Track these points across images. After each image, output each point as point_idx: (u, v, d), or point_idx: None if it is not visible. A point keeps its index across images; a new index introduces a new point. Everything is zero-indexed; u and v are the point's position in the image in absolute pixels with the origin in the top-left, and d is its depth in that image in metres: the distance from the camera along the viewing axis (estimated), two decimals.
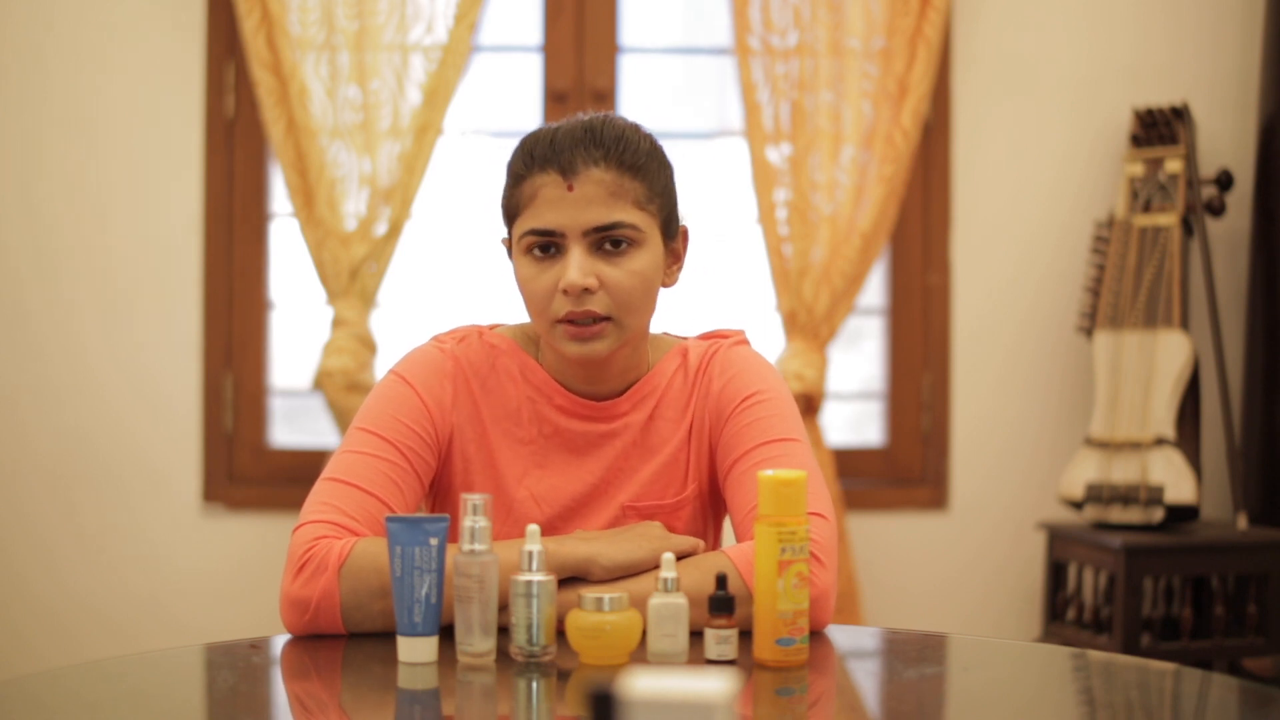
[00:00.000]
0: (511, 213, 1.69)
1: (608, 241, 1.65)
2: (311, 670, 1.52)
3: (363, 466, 1.65)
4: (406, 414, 1.69)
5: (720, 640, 1.47)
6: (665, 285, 1.74)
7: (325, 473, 1.66)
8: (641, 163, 1.67)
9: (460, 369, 1.73)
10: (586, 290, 1.63)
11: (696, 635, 1.51)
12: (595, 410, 1.74)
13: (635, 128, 1.70)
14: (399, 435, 1.67)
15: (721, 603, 1.48)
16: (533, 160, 1.66)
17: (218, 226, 3.38)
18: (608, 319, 1.65)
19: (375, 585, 1.54)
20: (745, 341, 1.81)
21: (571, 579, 1.56)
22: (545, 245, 1.65)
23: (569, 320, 1.65)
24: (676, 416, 1.76)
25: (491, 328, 1.79)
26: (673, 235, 1.73)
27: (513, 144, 1.72)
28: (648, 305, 1.70)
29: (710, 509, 1.79)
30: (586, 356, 1.67)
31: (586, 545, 1.57)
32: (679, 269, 1.76)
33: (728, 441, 1.72)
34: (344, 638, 1.56)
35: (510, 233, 1.71)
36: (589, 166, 1.64)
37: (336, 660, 1.53)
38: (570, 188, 1.64)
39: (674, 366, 1.78)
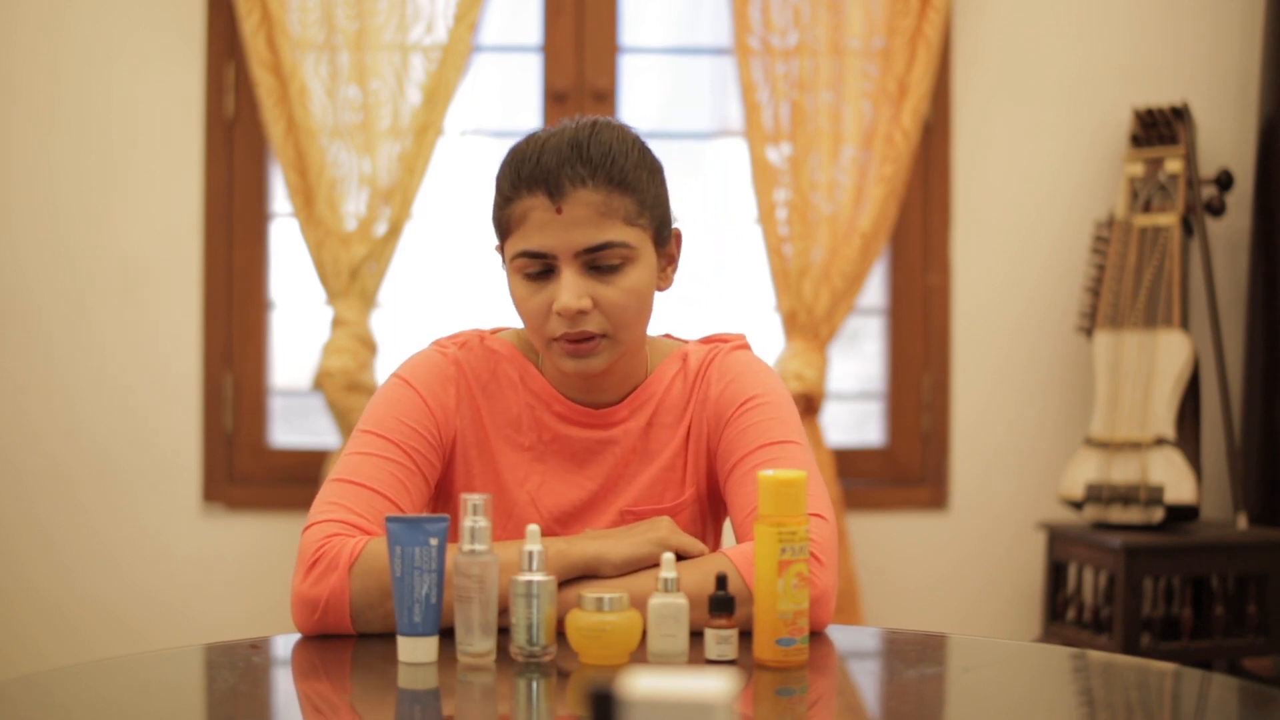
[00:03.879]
0: (503, 230, 1.68)
1: (600, 261, 1.63)
2: (315, 670, 1.52)
3: (370, 467, 1.64)
4: (411, 416, 1.68)
5: (720, 640, 1.47)
6: (660, 289, 1.72)
7: (332, 474, 1.66)
8: (630, 177, 1.63)
9: (462, 374, 1.73)
10: (581, 312, 1.62)
11: (696, 635, 1.51)
12: (594, 417, 1.74)
13: (622, 137, 1.65)
14: (404, 437, 1.67)
15: (721, 603, 1.48)
16: (520, 180, 1.63)
17: (218, 226, 3.38)
18: (603, 336, 1.65)
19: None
20: (745, 346, 1.80)
21: (582, 577, 1.55)
22: (537, 266, 1.64)
23: (565, 339, 1.64)
24: (674, 421, 1.75)
25: (494, 331, 1.79)
26: (665, 241, 1.70)
27: (514, 144, 1.70)
28: (643, 317, 1.69)
29: (709, 512, 1.79)
30: (584, 371, 1.67)
31: (596, 543, 1.57)
32: (673, 271, 1.74)
33: (727, 445, 1.71)
34: (348, 638, 1.56)
35: (503, 247, 1.69)
36: (577, 187, 1.60)
37: (339, 660, 1.53)
38: (559, 210, 1.61)
39: (673, 371, 1.77)
